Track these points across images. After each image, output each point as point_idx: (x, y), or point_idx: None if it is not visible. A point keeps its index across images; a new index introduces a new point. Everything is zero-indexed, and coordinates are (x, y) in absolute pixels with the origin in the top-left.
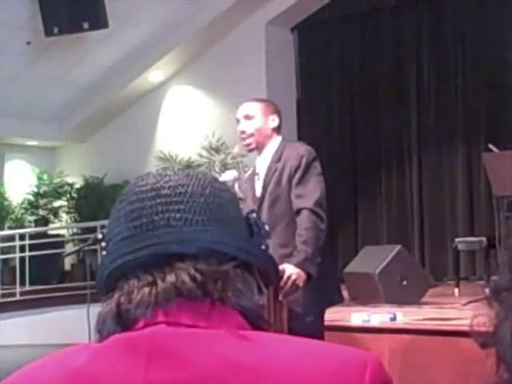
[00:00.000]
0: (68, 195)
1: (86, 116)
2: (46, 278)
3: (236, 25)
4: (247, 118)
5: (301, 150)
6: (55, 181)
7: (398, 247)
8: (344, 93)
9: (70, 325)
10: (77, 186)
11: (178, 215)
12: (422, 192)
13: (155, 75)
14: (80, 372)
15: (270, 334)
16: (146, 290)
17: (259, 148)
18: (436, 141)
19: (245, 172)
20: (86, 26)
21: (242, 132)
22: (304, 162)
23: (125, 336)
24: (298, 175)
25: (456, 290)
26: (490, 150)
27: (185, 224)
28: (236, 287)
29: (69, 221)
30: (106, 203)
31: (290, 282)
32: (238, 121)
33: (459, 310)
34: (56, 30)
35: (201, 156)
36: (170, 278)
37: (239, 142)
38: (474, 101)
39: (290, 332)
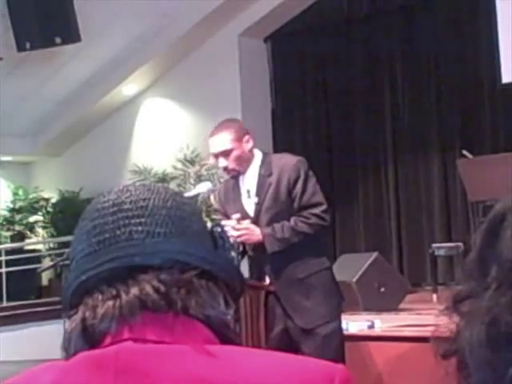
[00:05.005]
0: (44, 210)
1: (61, 130)
2: (24, 293)
3: (209, 36)
4: (225, 154)
5: (295, 161)
6: (31, 196)
7: (375, 254)
8: (318, 102)
9: (49, 340)
10: (52, 200)
11: (139, 228)
12: (398, 199)
13: (129, 88)
14: None
15: (236, 348)
16: (110, 303)
17: (243, 171)
18: (411, 148)
19: (220, 183)
20: (58, 40)
21: (225, 168)
22: (303, 172)
23: (91, 353)
24: (299, 185)
25: (434, 296)
26: (465, 156)
27: (147, 236)
28: (200, 296)
29: (45, 236)
30: None
31: (242, 229)
32: (214, 156)
33: (437, 316)
34: (28, 45)
35: (175, 168)
36: (134, 290)
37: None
38: (448, 107)
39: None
